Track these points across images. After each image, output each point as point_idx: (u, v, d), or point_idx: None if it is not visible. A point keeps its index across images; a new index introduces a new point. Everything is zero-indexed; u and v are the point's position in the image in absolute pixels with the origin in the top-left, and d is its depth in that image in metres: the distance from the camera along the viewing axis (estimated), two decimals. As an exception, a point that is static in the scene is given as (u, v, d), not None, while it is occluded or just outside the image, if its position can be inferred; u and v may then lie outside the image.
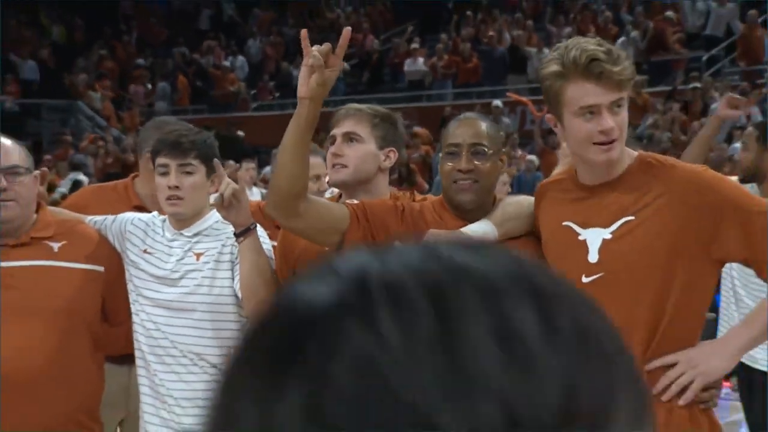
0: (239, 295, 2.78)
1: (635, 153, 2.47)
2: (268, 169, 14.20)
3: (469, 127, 2.65)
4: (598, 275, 2.37)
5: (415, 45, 19.46)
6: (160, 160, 2.86)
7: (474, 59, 18.38)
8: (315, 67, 2.39)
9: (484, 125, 2.66)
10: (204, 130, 3.12)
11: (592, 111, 2.33)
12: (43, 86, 21.59)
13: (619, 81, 2.32)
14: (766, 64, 15.30)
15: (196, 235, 2.88)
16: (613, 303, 2.28)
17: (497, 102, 15.39)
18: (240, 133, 15.95)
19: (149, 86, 20.96)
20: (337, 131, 2.80)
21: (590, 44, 2.36)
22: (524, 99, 14.91)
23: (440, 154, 2.70)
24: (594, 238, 2.40)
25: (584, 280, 2.37)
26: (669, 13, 17.03)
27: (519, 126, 16.16)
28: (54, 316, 2.81)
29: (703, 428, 2.37)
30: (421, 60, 18.90)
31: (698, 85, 14.08)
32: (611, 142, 2.34)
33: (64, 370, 2.80)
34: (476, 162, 2.57)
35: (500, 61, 18.13)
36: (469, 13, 20.33)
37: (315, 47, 2.40)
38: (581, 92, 2.33)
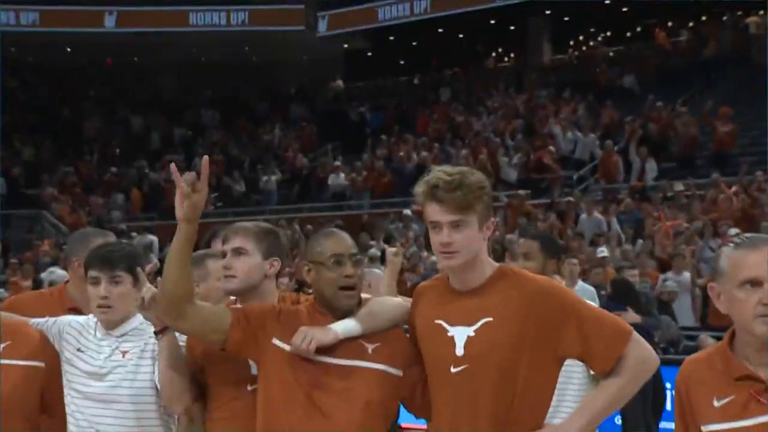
0: (158, 386, 2.74)
1: (497, 264, 2.55)
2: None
3: (343, 239, 2.68)
4: (463, 367, 2.44)
5: (337, 162, 19.71)
6: (92, 273, 2.85)
7: (387, 175, 18.67)
8: (184, 194, 2.48)
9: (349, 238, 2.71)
10: (129, 244, 3.12)
11: (435, 227, 2.46)
12: (11, 198, 21.31)
13: (456, 205, 2.43)
14: (622, 182, 15.86)
15: (122, 335, 2.85)
16: (475, 391, 2.42)
17: (407, 211, 15.61)
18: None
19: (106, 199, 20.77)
20: (227, 247, 2.80)
21: (441, 173, 2.47)
22: (428, 209, 15.17)
23: (309, 268, 2.65)
24: (460, 334, 2.46)
25: (452, 370, 2.45)
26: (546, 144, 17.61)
27: (425, 231, 16.28)
28: None
29: None
30: (342, 175, 19.11)
31: (571, 198, 14.50)
32: (450, 252, 2.45)
33: None
34: (358, 270, 2.63)
35: (409, 177, 18.42)
36: (383, 137, 20.73)
37: (184, 177, 2.48)
38: (430, 211, 2.47)
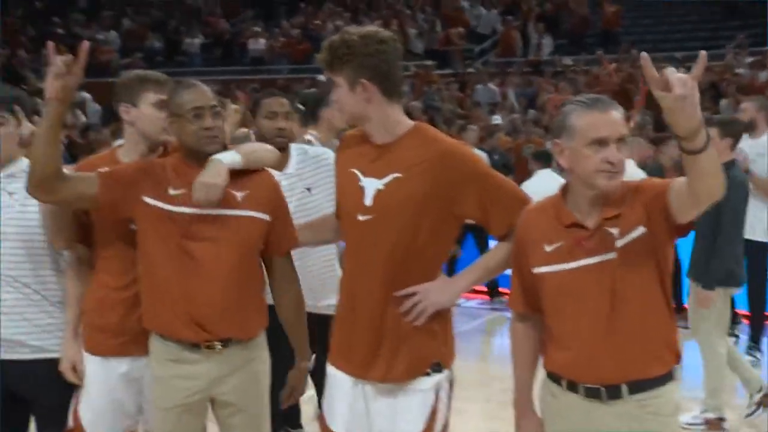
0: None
1: (412, 123, 2.43)
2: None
3: (204, 92, 2.55)
4: (369, 216, 2.37)
5: (257, 29, 19.04)
6: None
7: (304, 42, 18.18)
8: (59, 75, 2.34)
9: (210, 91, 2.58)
10: (14, 88, 2.94)
11: None
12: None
13: (324, 65, 2.38)
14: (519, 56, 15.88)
15: (8, 177, 2.70)
16: (376, 241, 2.35)
17: (321, 77, 15.32)
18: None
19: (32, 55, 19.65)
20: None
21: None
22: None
23: (171, 120, 2.54)
24: (370, 186, 2.38)
25: (359, 218, 2.38)
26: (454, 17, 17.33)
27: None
28: None
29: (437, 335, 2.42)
30: (262, 41, 18.51)
31: (472, 70, 14.49)
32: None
33: None
34: (218, 122, 2.55)
35: (325, 44, 18.01)
36: (301, 4, 20.06)
37: (59, 58, 2.33)
38: None
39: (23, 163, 2.70)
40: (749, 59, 12.99)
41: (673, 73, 1.89)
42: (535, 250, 2.28)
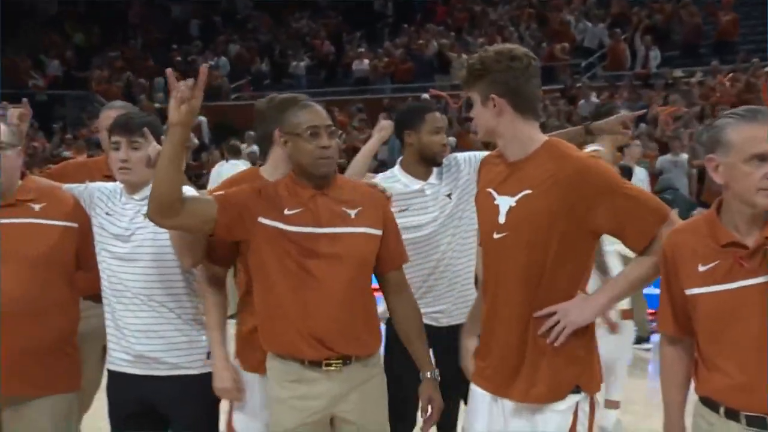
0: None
1: (544, 138, 2.41)
2: (243, 146, 14.07)
3: (319, 112, 2.60)
4: (503, 234, 2.35)
5: (361, 49, 19.26)
6: (114, 138, 2.79)
7: (408, 62, 18.26)
8: (184, 99, 2.33)
9: (324, 111, 2.63)
10: (149, 114, 3.03)
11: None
12: (65, 80, 21.21)
13: (462, 83, 2.43)
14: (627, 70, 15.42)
15: (143, 198, 2.76)
16: (511, 258, 2.34)
17: (425, 95, 15.31)
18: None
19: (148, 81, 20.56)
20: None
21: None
22: (443, 93, 14.90)
23: (285, 139, 2.58)
24: (504, 203, 2.38)
25: (495, 236, 2.37)
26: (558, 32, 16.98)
27: (442, 114, 16.09)
28: (35, 264, 2.71)
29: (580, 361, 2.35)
30: (366, 62, 18.72)
31: (579, 84, 14.18)
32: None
33: (46, 306, 2.72)
34: (332, 141, 2.58)
35: (428, 63, 18.03)
36: (405, 25, 20.19)
37: (181, 83, 2.33)
38: None
39: None
40: None
41: None
42: (687, 271, 2.15)
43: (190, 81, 2.34)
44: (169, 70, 2.43)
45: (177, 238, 2.64)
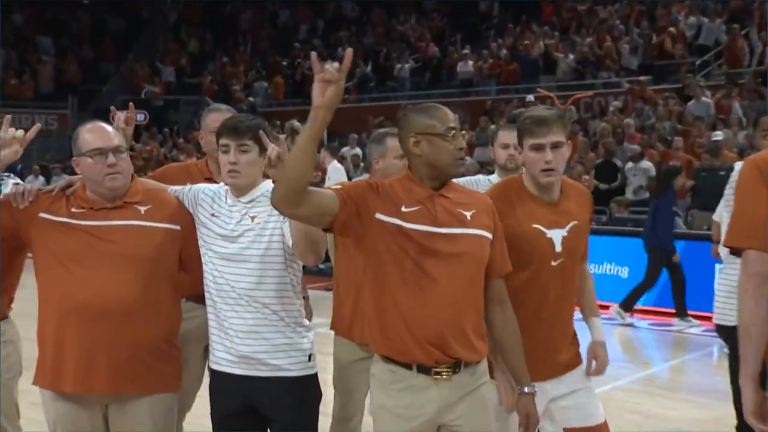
0: (289, 243, 2.68)
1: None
2: (345, 148, 14.19)
3: (451, 114, 2.61)
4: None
5: (466, 51, 19.12)
6: (222, 141, 2.80)
7: (513, 63, 17.99)
8: (333, 81, 2.26)
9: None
10: (256, 117, 3.03)
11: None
12: (179, 86, 21.97)
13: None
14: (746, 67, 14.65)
15: (250, 201, 2.80)
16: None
17: (530, 97, 15.03)
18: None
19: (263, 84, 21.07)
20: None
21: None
22: (550, 94, 14.57)
23: (417, 140, 2.57)
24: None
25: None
26: (671, 30, 16.30)
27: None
28: (141, 264, 2.76)
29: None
30: (470, 63, 18.56)
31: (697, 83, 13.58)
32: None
33: (148, 306, 2.76)
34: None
35: (534, 64, 17.71)
36: (510, 25, 19.91)
37: (327, 64, 2.27)
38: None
39: (264, 187, 2.79)
40: None
41: None
42: None
43: (335, 64, 2.28)
44: (313, 54, 2.33)
45: (303, 236, 2.58)
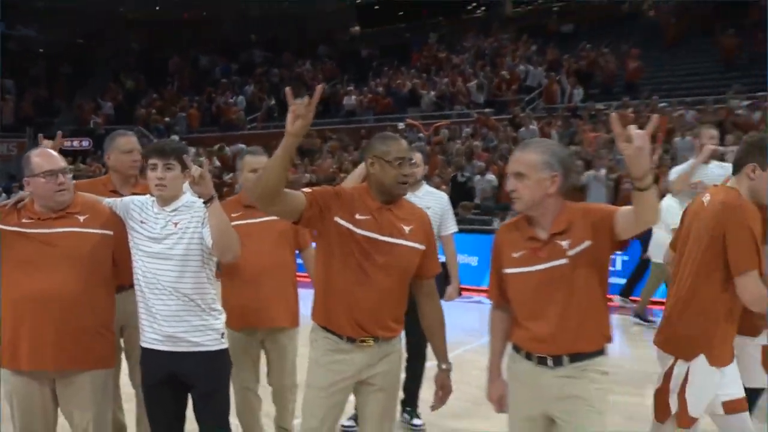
0: (209, 244, 2.68)
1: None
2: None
3: (404, 145, 2.59)
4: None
5: (350, 88, 19.24)
6: (151, 160, 2.75)
7: (387, 97, 18.26)
8: (299, 114, 2.27)
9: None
10: (178, 141, 3.00)
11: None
12: (118, 117, 21.21)
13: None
14: (559, 104, 15.50)
15: (173, 210, 2.78)
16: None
17: (401, 125, 15.34)
18: (241, 145, 15.60)
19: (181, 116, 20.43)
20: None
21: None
22: (416, 123, 14.93)
23: (373, 161, 2.54)
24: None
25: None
26: (505, 74, 16.94)
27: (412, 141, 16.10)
28: (81, 263, 2.72)
29: None
30: (354, 98, 18.69)
31: (523, 115, 14.12)
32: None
33: (88, 298, 2.72)
34: (410, 170, 2.60)
35: (404, 98, 18.05)
36: (385, 68, 20.19)
37: (298, 100, 2.28)
38: None
39: (184, 199, 2.77)
40: (746, 102, 12.36)
41: (634, 129, 1.94)
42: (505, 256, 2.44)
43: (305, 99, 2.28)
44: (288, 89, 2.35)
45: (222, 235, 2.60)
